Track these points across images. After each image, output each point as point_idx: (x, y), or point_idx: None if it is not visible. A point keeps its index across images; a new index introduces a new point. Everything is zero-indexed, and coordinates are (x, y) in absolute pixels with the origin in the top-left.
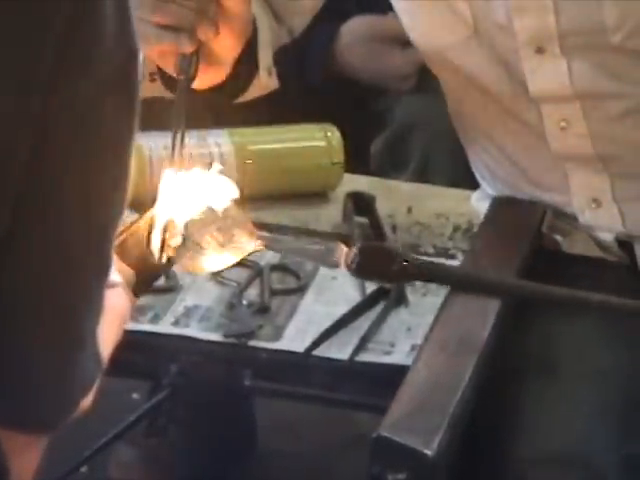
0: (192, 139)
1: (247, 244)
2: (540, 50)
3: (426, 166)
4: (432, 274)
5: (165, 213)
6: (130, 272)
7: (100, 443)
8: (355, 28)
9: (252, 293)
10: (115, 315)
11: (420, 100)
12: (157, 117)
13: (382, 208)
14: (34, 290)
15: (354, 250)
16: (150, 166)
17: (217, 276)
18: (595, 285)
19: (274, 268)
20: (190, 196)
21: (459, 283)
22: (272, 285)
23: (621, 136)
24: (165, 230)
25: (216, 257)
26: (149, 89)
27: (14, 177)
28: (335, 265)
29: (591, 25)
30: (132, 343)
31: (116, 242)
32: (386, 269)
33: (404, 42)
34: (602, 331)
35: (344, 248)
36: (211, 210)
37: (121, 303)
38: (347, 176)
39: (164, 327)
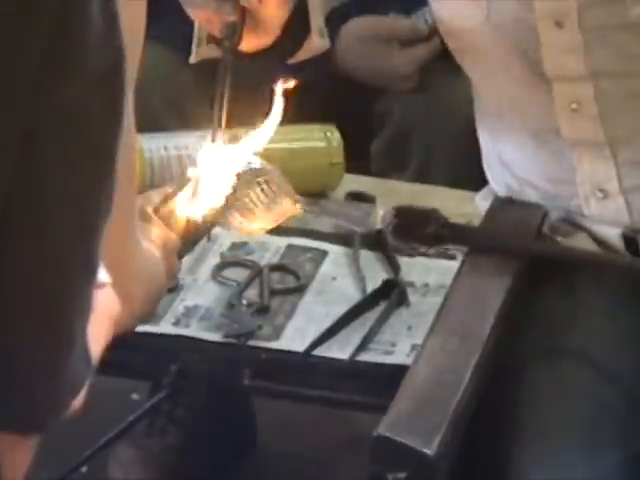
0: (192, 139)
1: (289, 206)
2: (559, 24)
3: (427, 166)
4: (467, 237)
5: (207, 176)
6: (175, 238)
7: (100, 443)
8: (355, 29)
9: (252, 293)
10: (104, 316)
11: (421, 100)
12: (156, 118)
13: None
14: (21, 290)
15: (391, 212)
16: (150, 167)
17: (217, 276)
18: (595, 286)
19: (274, 268)
20: (229, 159)
21: (492, 247)
22: (272, 285)
23: (632, 118)
24: (207, 192)
25: (260, 218)
26: (209, 50)
27: (3, 178)
28: (372, 227)
29: None
30: (132, 343)
31: (160, 209)
32: (422, 231)
33: (404, 43)
34: (607, 329)
35: (381, 210)
36: (255, 172)
37: (110, 303)
38: (347, 176)
39: (164, 327)
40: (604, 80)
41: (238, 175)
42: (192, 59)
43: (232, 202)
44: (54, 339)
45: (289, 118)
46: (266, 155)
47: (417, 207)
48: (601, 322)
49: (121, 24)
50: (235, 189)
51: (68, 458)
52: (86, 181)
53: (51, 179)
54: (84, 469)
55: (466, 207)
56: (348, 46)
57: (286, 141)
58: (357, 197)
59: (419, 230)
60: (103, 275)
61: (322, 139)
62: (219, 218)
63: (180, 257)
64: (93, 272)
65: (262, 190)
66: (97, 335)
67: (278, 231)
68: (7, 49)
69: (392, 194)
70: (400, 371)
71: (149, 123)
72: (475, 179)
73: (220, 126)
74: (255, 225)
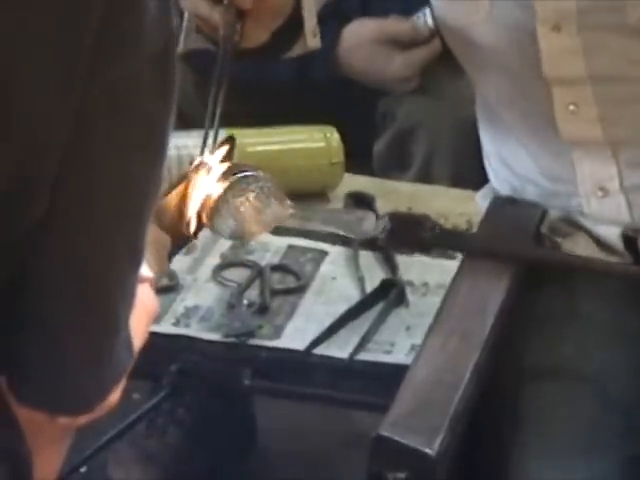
0: (191, 139)
1: (281, 212)
2: (556, 28)
3: (428, 167)
4: (461, 243)
5: (201, 179)
6: (166, 237)
7: (100, 443)
8: (357, 31)
9: (252, 293)
10: (144, 312)
11: (422, 101)
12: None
13: (382, 208)
14: (69, 274)
15: (386, 218)
16: None
17: (217, 276)
18: (595, 286)
19: (274, 268)
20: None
21: (487, 252)
22: (272, 285)
23: (631, 121)
24: (200, 196)
25: (252, 223)
26: (197, 41)
27: (54, 161)
28: (365, 234)
29: (610, 2)
30: None
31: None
32: (417, 237)
33: (405, 45)
34: (605, 333)
35: (374, 217)
36: (248, 178)
37: (149, 300)
38: (347, 176)
39: (164, 327)
40: (603, 83)
41: (232, 181)
42: (179, 49)
43: (225, 208)
44: (99, 323)
45: (290, 119)
46: (266, 155)
47: (412, 213)
48: (601, 322)
49: (173, 7)
50: (229, 193)
51: (68, 458)
52: (135, 163)
53: (100, 160)
54: (84, 469)
55: (466, 207)
56: (349, 48)
57: (286, 142)
58: (357, 197)
59: (414, 236)
60: (145, 270)
61: (322, 139)
62: (213, 222)
63: (170, 257)
64: (138, 258)
65: (255, 196)
66: (137, 329)
67: (278, 231)
68: (62, 31)
69: (392, 194)
70: (399, 370)
71: None
72: (476, 179)
73: (215, 126)
74: (247, 231)
